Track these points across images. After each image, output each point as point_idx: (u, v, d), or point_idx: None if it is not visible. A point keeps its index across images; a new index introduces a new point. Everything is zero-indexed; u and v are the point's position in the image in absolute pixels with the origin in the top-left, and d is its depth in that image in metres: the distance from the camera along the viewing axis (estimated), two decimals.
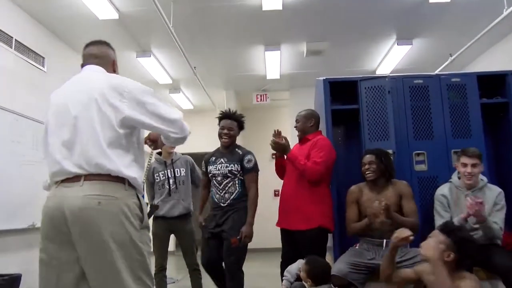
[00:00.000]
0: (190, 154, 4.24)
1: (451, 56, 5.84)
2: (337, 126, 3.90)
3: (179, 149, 3.92)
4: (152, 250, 1.88)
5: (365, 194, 3.10)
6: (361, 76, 3.73)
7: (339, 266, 2.81)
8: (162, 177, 3.86)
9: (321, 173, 3.14)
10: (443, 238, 2.25)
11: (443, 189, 3.11)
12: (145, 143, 2.16)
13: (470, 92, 3.54)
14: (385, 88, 3.54)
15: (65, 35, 5.38)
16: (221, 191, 3.30)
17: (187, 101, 8.55)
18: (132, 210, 1.77)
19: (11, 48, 4.42)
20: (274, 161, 3.59)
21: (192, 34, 5.52)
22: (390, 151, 3.31)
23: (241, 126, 3.48)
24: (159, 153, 3.99)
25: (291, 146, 3.37)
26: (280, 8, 4.77)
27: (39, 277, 1.79)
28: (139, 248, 1.75)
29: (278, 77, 7.28)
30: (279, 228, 3.42)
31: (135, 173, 1.83)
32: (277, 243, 3.48)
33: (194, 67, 6.07)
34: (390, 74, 3.97)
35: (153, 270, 2.23)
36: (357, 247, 3.08)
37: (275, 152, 3.42)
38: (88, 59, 2.05)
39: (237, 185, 3.29)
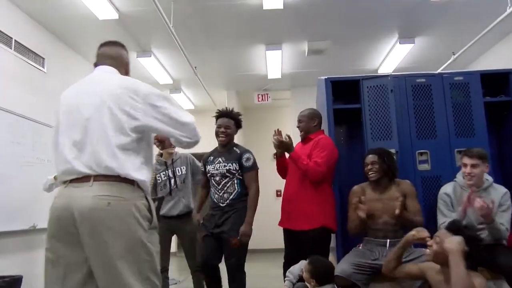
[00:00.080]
0: (191, 154, 4.20)
1: (454, 54, 5.81)
2: (339, 125, 3.89)
3: (180, 149, 3.90)
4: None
5: (368, 194, 3.07)
6: (363, 75, 3.72)
7: (342, 266, 2.79)
8: (164, 177, 3.84)
9: (323, 174, 3.13)
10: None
11: (447, 188, 3.08)
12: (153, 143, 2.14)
13: (474, 91, 3.52)
14: (387, 87, 3.52)
15: (65, 36, 5.36)
16: (220, 191, 3.25)
17: (188, 101, 8.53)
18: (141, 211, 1.77)
19: (11, 49, 4.40)
20: (276, 161, 3.55)
21: (192, 33, 5.50)
22: (393, 151, 3.30)
23: (238, 125, 3.44)
24: (160, 154, 3.97)
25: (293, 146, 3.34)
26: (281, 7, 4.75)
27: (44, 276, 1.77)
28: (147, 248, 1.75)
29: (280, 77, 7.25)
30: (281, 228, 3.40)
31: (144, 175, 1.83)
32: (280, 243, 3.46)
33: (195, 67, 6.05)
34: (393, 73, 3.95)
35: None
36: (360, 248, 3.06)
37: (276, 151, 3.38)
38: (101, 59, 2.04)
39: (236, 185, 3.25)
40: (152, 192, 3.95)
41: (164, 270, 3.79)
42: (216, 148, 3.42)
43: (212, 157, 3.36)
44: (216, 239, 3.18)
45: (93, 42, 5.76)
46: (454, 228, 2.30)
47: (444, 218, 2.97)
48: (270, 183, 6.20)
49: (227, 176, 3.24)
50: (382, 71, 6.84)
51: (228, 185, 3.23)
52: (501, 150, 3.68)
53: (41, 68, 4.93)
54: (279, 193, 8.20)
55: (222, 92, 8.13)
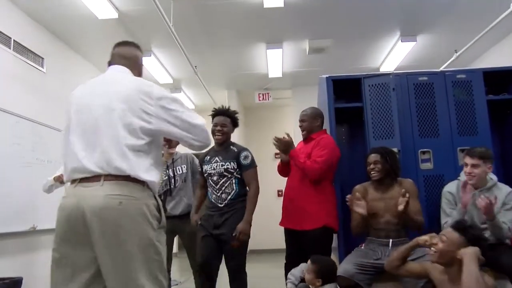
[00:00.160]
0: (192, 154, 4.19)
1: (456, 52, 5.80)
2: (341, 124, 3.87)
3: (181, 149, 3.87)
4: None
5: (370, 194, 3.06)
6: (365, 73, 3.69)
7: (345, 266, 2.78)
8: (165, 177, 3.83)
9: (320, 172, 3.10)
10: (457, 235, 2.25)
11: (451, 187, 3.07)
12: None
13: (476, 89, 3.50)
14: (389, 86, 3.50)
15: (64, 35, 5.35)
16: (217, 191, 3.19)
17: (188, 101, 8.52)
18: (151, 210, 1.77)
19: (10, 48, 4.39)
20: (277, 160, 3.54)
21: (192, 32, 5.48)
22: (395, 150, 3.26)
23: (235, 123, 3.39)
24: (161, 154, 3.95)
25: (295, 144, 3.32)
26: (282, 5, 4.73)
27: (51, 276, 1.76)
28: (156, 247, 1.76)
29: (280, 76, 7.23)
30: (282, 228, 3.38)
31: (153, 177, 1.83)
32: (281, 243, 3.45)
33: (195, 66, 6.04)
34: (395, 72, 3.93)
35: None
36: (362, 247, 3.04)
37: (278, 152, 3.36)
38: (115, 59, 2.05)
39: (234, 185, 3.19)
40: None
41: (167, 271, 3.77)
42: (212, 148, 3.35)
43: (208, 157, 3.30)
44: (216, 240, 3.14)
45: (93, 42, 5.83)
46: (460, 227, 2.30)
47: (447, 218, 2.95)
48: (271, 182, 6.19)
49: (225, 176, 3.18)
50: (384, 69, 6.81)
51: (226, 185, 3.18)
52: (504, 148, 3.66)
53: (40, 68, 4.91)
54: (280, 193, 8.18)
55: (223, 91, 8.11)
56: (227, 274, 3.16)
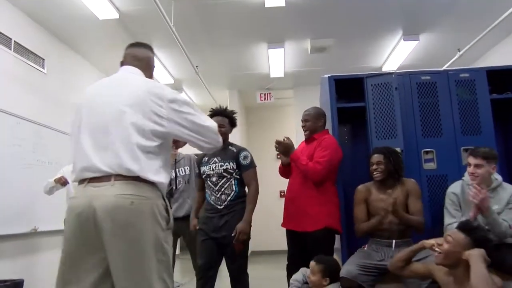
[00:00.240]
0: (194, 155, 4.17)
1: (459, 51, 5.79)
2: (343, 124, 3.84)
3: (183, 149, 3.86)
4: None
5: (374, 194, 3.04)
6: (367, 73, 3.67)
7: (348, 268, 2.76)
8: None
9: (323, 174, 3.07)
10: (463, 236, 2.24)
11: (455, 187, 3.03)
12: None
13: (480, 88, 3.46)
14: (392, 85, 3.47)
15: (65, 36, 5.35)
16: (217, 192, 3.13)
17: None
18: (160, 211, 1.78)
19: (10, 50, 4.39)
20: (279, 161, 3.51)
21: (193, 32, 5.47)
22: (398, 150, 3.24)
23: (232, 123, 3.34)
24: None
25: (296, 145, 3.30)
26: (283, 4, 4.72)
27: (57, 276, 1.75)
28: (164, 248, 1.76)
29: (282, 75, 7.22)
30: (284, 229, 3.35)
31: (162, 178, 1.84)
32: (283, 245, 3.42)
33: (196, 66, 6.03)
34: (397, 71, 3.91)
35: None
36: (365, 248, 3.02)
37: (279, 154, 3.34)
38: (128, 59, 2.06)
39: (233, 186, 3.14)
40: None
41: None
42: None
43: (206, 158, 3.24)
44: (216, 243, 3.09)
45: (94, 43, 5.82)
46: (466, 228, 2.29)
47: (451, 219, 2.92)
48: (273, 183, 6.16)
49: (224, 176, 3.13)
50: (386, 68, 6.80)
51: (225, 186, 3.13)
52: (508, 148, 3.63)
53: (41, 69, 4.90)
54: (282, 193, 8.16)
55: (224, 91, 8.09)
56: (228, 276, 3.13)
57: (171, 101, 1.85)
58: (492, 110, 3.42)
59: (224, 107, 3.34)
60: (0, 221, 3.95)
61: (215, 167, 3.13)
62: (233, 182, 3.13)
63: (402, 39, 5.84)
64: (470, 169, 2.87)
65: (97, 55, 6.01)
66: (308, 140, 3.37)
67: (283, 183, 3.56)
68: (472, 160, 2.87)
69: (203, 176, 3.22)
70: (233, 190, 3.12)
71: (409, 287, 2.72)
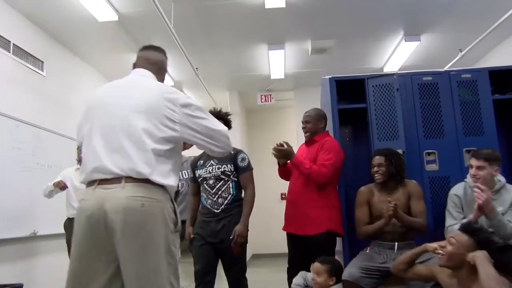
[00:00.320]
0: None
1: (461, 51, 5.77)
2: (344, 126, 3.83)
3: (186, 153, 3.83)
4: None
5: (376, 196, 3.03)
6: (369, 74, 3.65)
7: (350, 270, 2.75)
8: None
9: (328, 177, 3.06)
10: (466, 238, 2.23)
11: (457, 189, 3.01)
12: None
13: (482, 89, 3.44)
14: (393, 86, 3.45)
15: (64, 38, 5.34)
16: (213, 195, 3.08)
17: None
18: (169, 213, 1.79)
19: (9, 52, 4.37)
20: (278, 169, 3.48)
21: (193, 34, 5.46)
22: (400, 151, 3.23)
23: (227, 125, 3.30)
24: None
25: (296, 147, 3.29)
26: (283, 5, 4.70)
27: (67, 278, 1.75)
28: (172, 251, 1.77)
29: (283, 77, 7.20)
30: (285, 232, 3.34)
31: (172, 181, 1.85)
32: (284, 248, 3.40)
33: (196, 68, 6.02)
34: (398, 72, 3.90)
35: None
36: (367, 251, 3.01)
37: (278, 160, 3.33)
38: (140, 62, 2.06)
39: (231, 189, 3.10)
40: None
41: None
42: (204, 151, 3.19)
43: (202, 161, 3.20)
44: (213, 248, 3.04)
45: (93, 45, 5.80)
46: (469, 229, 2.29)
47: (452, 220, 2.90)
48: (274, 186, 6.13)
49: (222, 179, 3.08)
50: (388, 69, 6.78)
51: (223, 188, 3.08)
52: (511, 149, 3.61)
53: (40, 72, 4.89)
54: (283, 196, 8.14)
55: (224, 93, 8.07)
56: (226, 279, 3.11)
57: (184, 105, 1.86)
58: (494, 111, 3.40)
59: (219, 109, 3.30)
60: None
61: (212, 170, 3.09)
62: (230, 185, 3.09)
63: (403, 40, 5.82)
64: (472, 171, 2.86)
65: (96, 57, 6.00)
66: (309, 142, 3.36)
67: (284, 185, 3.54)
68: (474, 162, 2.85)
69: (199, 180, 3.17)
70: (230, 193, 3.08)
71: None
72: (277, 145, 3.20)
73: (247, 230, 3.01)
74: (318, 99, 4.26)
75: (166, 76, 6.71)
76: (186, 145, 3.43)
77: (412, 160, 3.34)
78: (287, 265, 3.31)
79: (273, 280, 4.77)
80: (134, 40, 5.51)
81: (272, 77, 7.18)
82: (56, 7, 4.55)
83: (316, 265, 2.80)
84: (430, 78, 3.52)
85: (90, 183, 1.78)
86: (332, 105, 3.52)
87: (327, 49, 6.06)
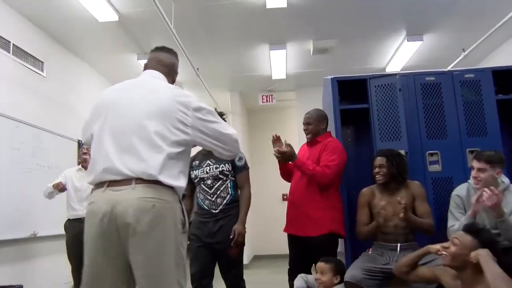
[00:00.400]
0: None
1: (464, 51, 5.75)
2: (347, 126, 3.81)
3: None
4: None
5: (377, 197, 3.01)
6: (371, 74, 3.64)
7: (352, 272, 2.73)
8: None
9: (332, 178, 3.06)
10: (470, 239, 2.22)
11: (460, 190, 2.99)
12: None
13: (485, 89, 3.43)
14: (395, 86, 3.44)
15: (64, 39, 5.34)
16: (212, 195, 3.05)
17: None
18: (179, 214, 1.81)
19: (9, 53, 4.37)
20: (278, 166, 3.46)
21: (194, 34, 5.44)
22: (402, 152, 3.21)
23: None
24: None
25: (297, 148, 3.27)
26: (285, 5, 4.69)
27: (81, 284, 1.77)
28: (180, 252, 1.78)
29: (284, 77, 7.19)
30: (286, 233, 3.32)
31: (181, 183, 1.86)
32: (285, 249, 3.40)
33: (197, 68, 6.01)
34: (401, 72, 3.89)
35: None
36: (370, 252, 2.99)
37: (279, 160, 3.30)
38: (152, 63, 2.08)
39: (229, 189, 3.07)
40: None
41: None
42: (199, 152, 3.20)
43: (197, 161, 3.17)
44: (210, 250, 3.01)
45: (93, 45, 5.80)
46: (473, 230, 2.28)
47: (454, 221, 2.88)
48: (275, 186, 6.11)
49: (220, 179, 3.05)
50: (390, 69, 6.76)
51: (221, 188, 3.05)
52: None
53: (40, 72, 4.89)
54: (285, 197, 8.11)
55: (225, 93, 8.06)
56: (225, 285, 3.08)
57: (196, 109, 1.87)
58: (498, 111, 3.39)
59: (213, 109, 3.27)
60: None
61: (210, 170, 3.06)
62: (228, 185, 3.07)
63: (406, 40, 5.80)
64: (473, 173, 2.84)
65: (96, 57, 5.99)
66: (311, 142, 3.34)
67: (286, 186, 3.53)
68: (475, 164, 2.83)
69: (195, 181, 3.13)
70: (228, 193, 3.05)
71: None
72: (274, 136, 3.24)
73: (245, 229, 2.99)
74: (320, 99, 4.25)
75: None
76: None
77: (415, 161, 3.32)
78: (287, 267, 3.29)
79: (273, 281, 4.75)
80: (134, 40, 5.50)
81: (273, 77, 7.17)
82: (56, 7, 4.55)
83: (320, 265, 2.80)
84: (433, 78, 3.51)
85: (99, 185, 1.77)
86: (334, 105, 3.52)
87: (329, 49, 6.05)
